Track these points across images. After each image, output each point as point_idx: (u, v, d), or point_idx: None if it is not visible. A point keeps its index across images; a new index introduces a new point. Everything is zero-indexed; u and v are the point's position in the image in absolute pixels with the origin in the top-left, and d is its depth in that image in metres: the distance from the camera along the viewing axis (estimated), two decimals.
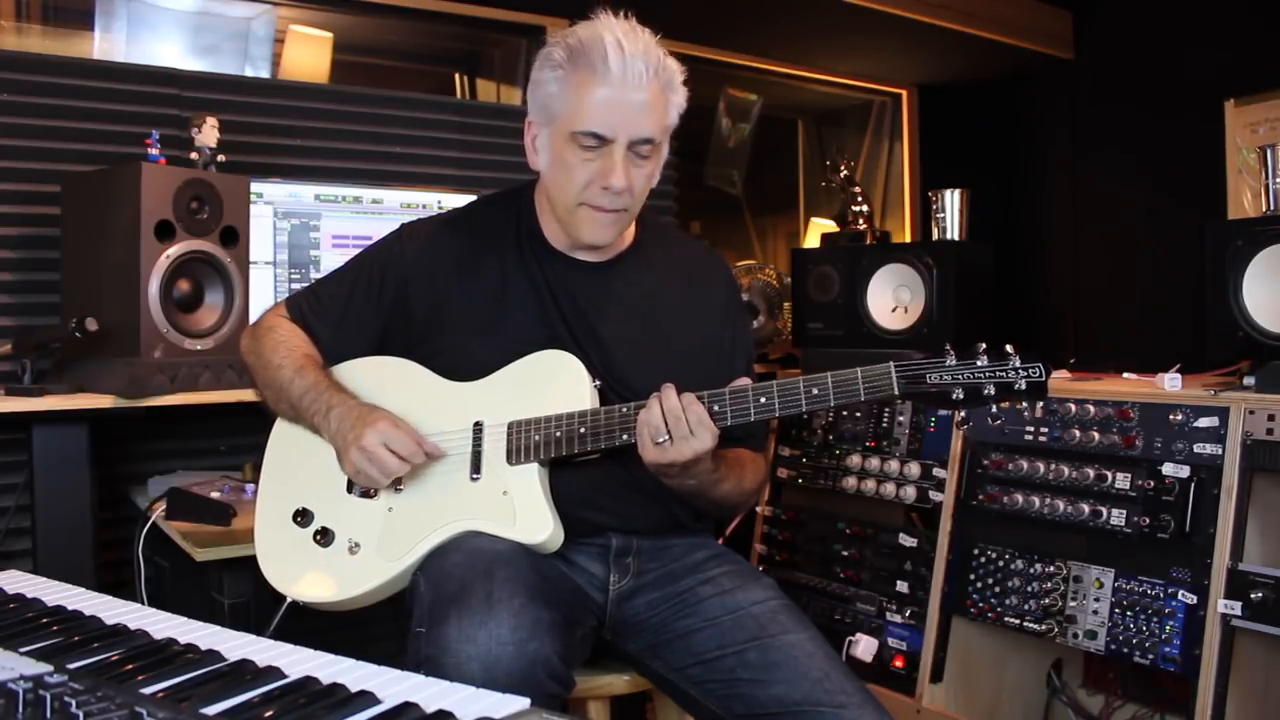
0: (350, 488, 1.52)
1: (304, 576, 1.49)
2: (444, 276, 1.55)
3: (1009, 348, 1.33)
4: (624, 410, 1.40)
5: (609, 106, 1.41)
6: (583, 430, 1.41)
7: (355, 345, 1.59)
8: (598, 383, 1.46)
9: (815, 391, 1.34)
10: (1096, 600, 2.00)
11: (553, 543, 1.41)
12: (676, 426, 1.33)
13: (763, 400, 1.36)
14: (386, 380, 1.54)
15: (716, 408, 1.36)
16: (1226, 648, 1.81)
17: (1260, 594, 1.76)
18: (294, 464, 1.57)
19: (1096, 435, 2.04)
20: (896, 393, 1.33)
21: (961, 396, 1.33)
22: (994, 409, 1.35)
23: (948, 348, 1.34)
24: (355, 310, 1.59)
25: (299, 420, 1.54)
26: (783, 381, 1.36)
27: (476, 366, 1.50)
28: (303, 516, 1.52)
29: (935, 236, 2.74)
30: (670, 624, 1.46)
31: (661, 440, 1.34)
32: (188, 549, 1.83)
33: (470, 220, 1.62)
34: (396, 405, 1.50)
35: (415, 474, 1.47)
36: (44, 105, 2.30)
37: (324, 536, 1.49)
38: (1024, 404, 1.36)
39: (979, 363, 1.32)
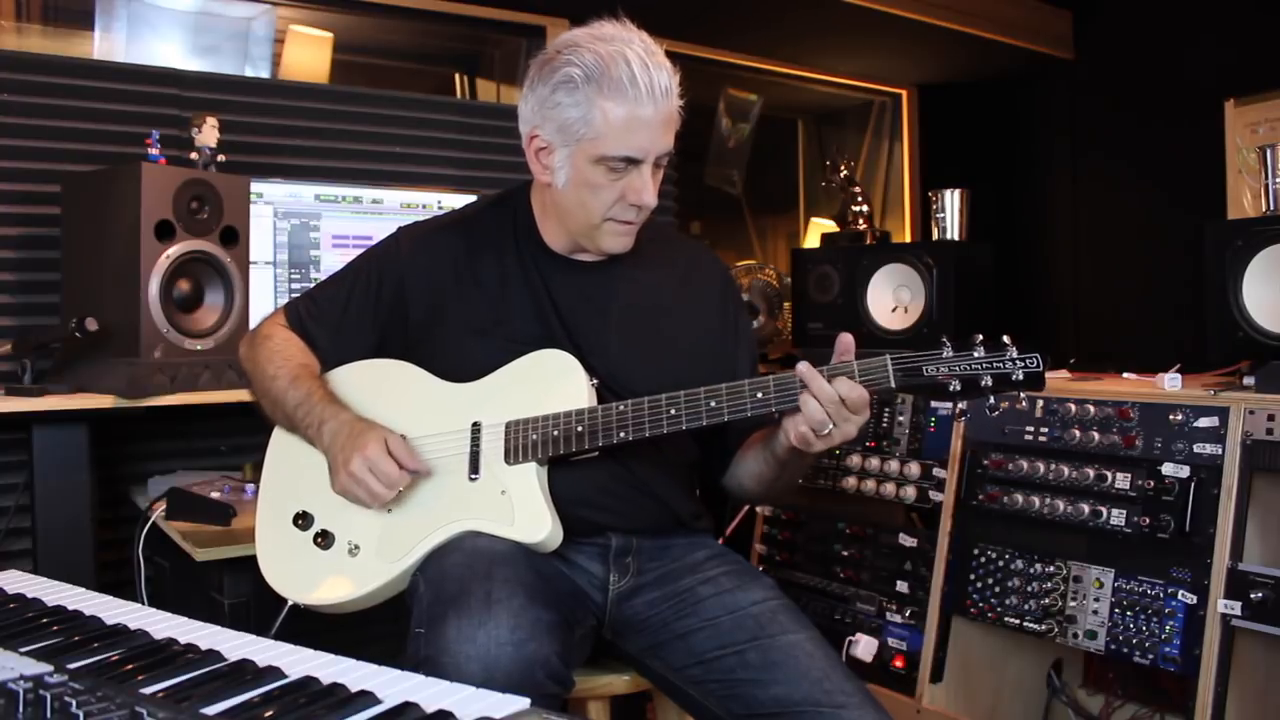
0: None
1: (305, 579, 1.49)
2: (441, 278, 1.56)
3: (1006, 339, 1.33)
4: (620, 408, 1.40)
5: (641, 129, 1.40)
6: (580, 429, 1.41)
7: (354, 349, 1.59)
8: (595, 381, 1.46)
9: None
10: (1096, 600, 2.00)
11: (551, 542, 1.41)
12: (838, 413, 1.32)
13: (759, 395, 1.36)
14: (383, 383, 1.54)
15: (714, 403, 1.37)
16: (1226, 648, 1.80)
17: (1260, 594, 1.76)
18: (294, 467, 1.57)
19: (1096, 435, 2.04)
20: (893, 385, 1.33)
21: (959, 388, 1.33)
22: (992, 400, 1.35)
23: (944, 340, 1.34)
24: (353, 314, 1.59)
25: (294, 431, 1.54)
26: (779, 376, 1.37)
27: (475, 367, 1.50)
28: (303, 519, 1.52)
29: (935, 236, 2.74)
30: (670, 624, 1.46)
31: (826, 432, 1.33)
32: (188, 549, 1.83)
33: (467, 222, 1.62)
34: (394, 407, 1.50)
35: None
36: (44, 105, 2.30)
37: (324, 539, 1.49)
38: (1022, 395, 1.36)
39: (975, 354, 1.32)
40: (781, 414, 1.38)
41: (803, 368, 1.34)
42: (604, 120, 1.39)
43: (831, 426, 1.33)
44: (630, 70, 1.37)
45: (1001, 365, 1.32)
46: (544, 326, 1.52)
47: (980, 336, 1.34)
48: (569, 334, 1.51)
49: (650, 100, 1.38)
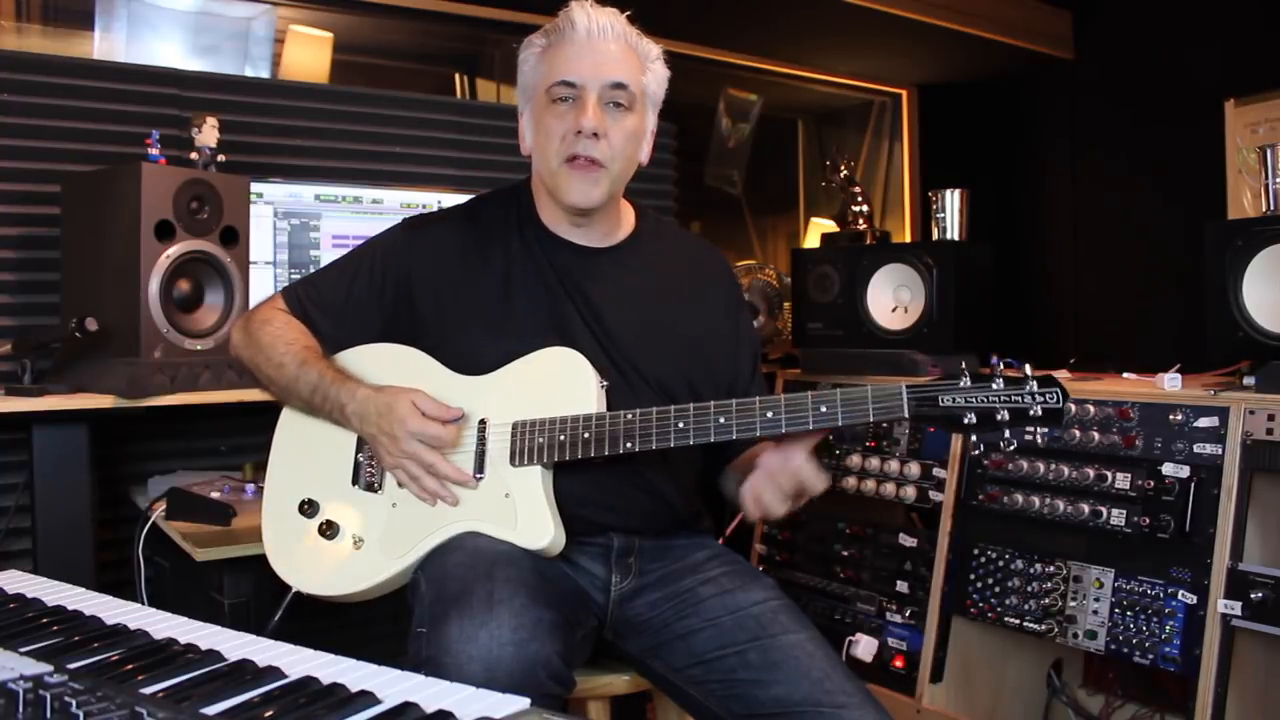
0: (355, 480, 1.52)
1: (308, 568, 1.49)
2: (448, 269, 1.55)
3: (1028, 368, 1.28)
4: (629, 417, 1.39)
5: (577, 57, 1.47)
6: (587, 436, 1.40)
7: (356, 336, 1.58)
8: (605, 384, 1.45)
9: (823, 409, 1.32)
10: (1096, 600, 2.00)
11: (553, 548, 1.41)
12: (799, 491, 1.41)
13: (769, 415, 1.34)
14: (393, 367, 1.53)
15: (723, 419, 1.35)
16: (1226, 648, 1.81)
17: (1260, 594, 1.76)
18: (301, 453, 1.57)
19: (1096, 435, 2.04)
20: (907, 415, 1.29)
21: (974, 421, 1.28)
22: (1007, 434, 1.30)
23: (963, 367, 1.30)
24: (356, 301, 1.58)
25: (315, 415, 1.53)
26: (790, 397, 1.34)
27: (484, 358, 1.50)
28: (308, 507, 1.52)
29: (935, 236, 2.74)
30: (671, 624, 1.46)
31: (798, 504, 1.43)
32: (188, 549, 1.83)
33: (472, 214, 1.63)
34: None
35: None
36: (44, 105, 2.29)
37: (329, 529, 1.49)
38: (1038, 430, 1.31)
39: (994, 386, 1.28)
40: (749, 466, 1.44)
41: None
42: (548, 62, 1.49)
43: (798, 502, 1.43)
44: (570, 18, 1.49)
45: (1020, 399, 1.27)
46: (554, 305, 1.51)
47: (1001, 366, 1.30)
48: (580, 314, 1.51)
49: (586, 34, 1.48)
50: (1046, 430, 1.31)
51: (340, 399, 1.47)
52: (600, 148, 1.47)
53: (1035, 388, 1.27)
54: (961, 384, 1.29)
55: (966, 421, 1.28)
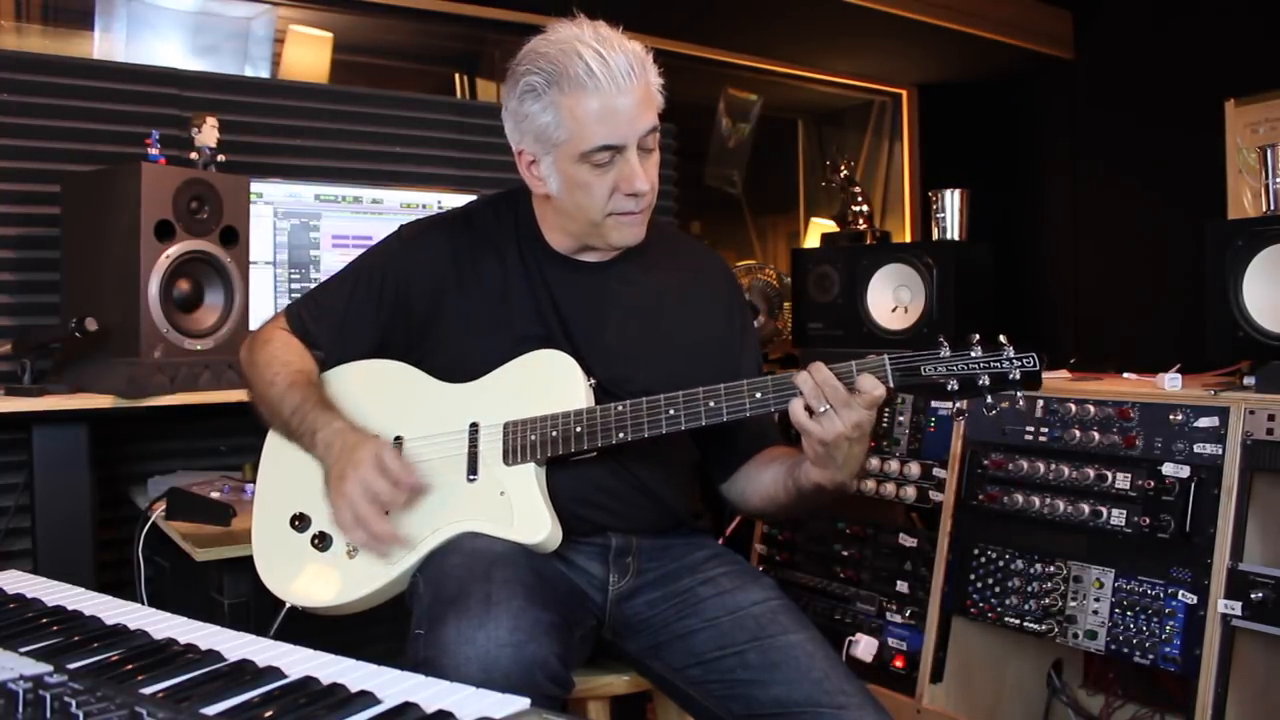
0: None
1: (302, 581, 1.49)
2: (445, 277, 1.55)
3: (1003, 338, 1.34)
4: (619, 409, 1.40)
5: (611, 117, 1.38)
6: (579, 429, 1.40)
7: (357, 347, 1.59)
8: (593, 381, 1.45)
9: None
10: (1096, 600, 2.00)
11: (551, 543, 1.41)
12: (835, 396, 1.30)
13: (758, 395, 1.36)
14: (381, 383, 1.54)
15: (712, 403, 1.36)
16: (1226, 648, 1.80)
17: (1260, 594, 1.76)
18: (291, 467, 1.56)
19: (1096, 435, 2.04)
20: (891, 385, 1.33)
21: (956, 387, 1.33)
22: (989, 400, 1.35)
23: (941, 340, 1.35)
24: (355, 312, 1.59)
25: (290, 438, 1.53)
26: (777, 377, 1.36)
27: (476, 366, 1.50)
28: (300, 520, 1.51)
29: (935, 236, 2.74)
30: (670, 624, 1.46)
31: (823, 410, 1.30)
32: (188, 549, 1.83)
33: (469, 221, 1.62)
34: (391, 408, 1.51)
35: None
36: (44, 105, 2.30)
37: (322, 541, 1.48)
38: (1020, 395, 1.36)
39: (973, 353, 1.33)
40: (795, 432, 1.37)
41: (812, 364, 1.33)
42: (573, 118, 1.39)
43: (826, 406, 1.30)
44: (585, 62, 1.37)
45: (999, 365, 1.33)
46: (544, 327, 1.52)
47: (977, 336, 1.34)
48: (569, 335, 1.51)
49: (613, 85, 1.37)
50: (1026, 394, 1.36)
51: (315, 424, 1.46)
52: (646, 197, 1.46)
53: (1012, 353, 1.33)
54: (942, 354, 1.34)
55: (950, 389, 1.33)
